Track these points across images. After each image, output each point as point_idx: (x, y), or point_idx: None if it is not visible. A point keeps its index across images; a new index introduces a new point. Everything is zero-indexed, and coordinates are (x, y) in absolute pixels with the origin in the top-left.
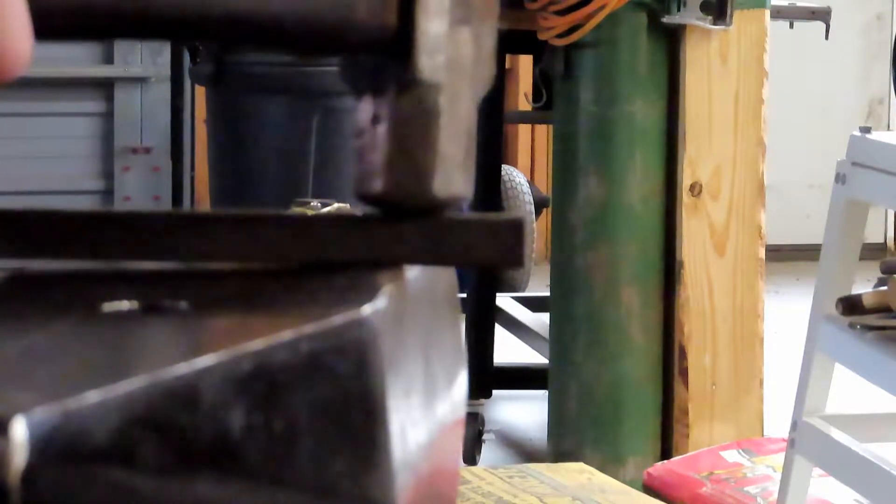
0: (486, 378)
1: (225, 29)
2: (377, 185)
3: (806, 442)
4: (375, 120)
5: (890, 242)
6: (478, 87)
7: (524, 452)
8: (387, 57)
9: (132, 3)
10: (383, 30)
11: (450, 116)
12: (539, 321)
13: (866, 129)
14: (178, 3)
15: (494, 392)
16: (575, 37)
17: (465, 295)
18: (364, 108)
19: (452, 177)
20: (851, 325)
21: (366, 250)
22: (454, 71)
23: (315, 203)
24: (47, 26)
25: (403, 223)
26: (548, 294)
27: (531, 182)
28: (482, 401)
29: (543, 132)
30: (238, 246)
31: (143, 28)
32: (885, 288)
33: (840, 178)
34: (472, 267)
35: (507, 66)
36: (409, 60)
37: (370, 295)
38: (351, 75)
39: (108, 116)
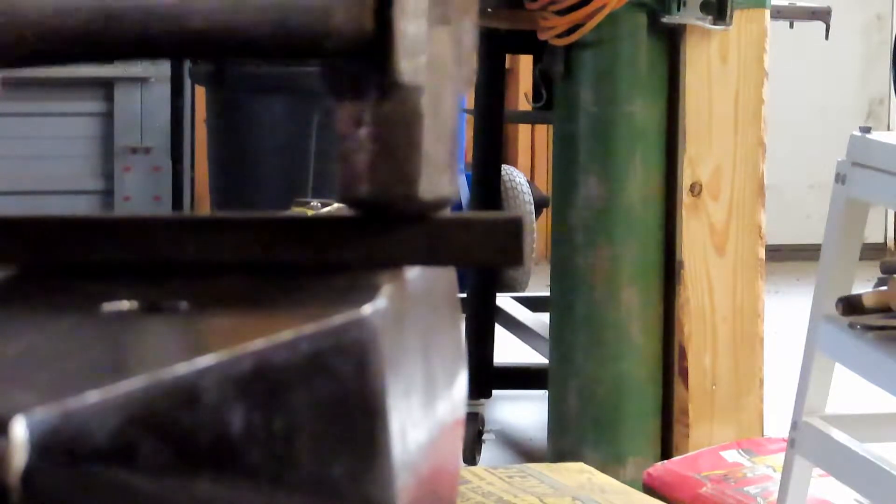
0: (486, 378)
1: (201, 42)
2: (363, 189)
3: (806, 442)
4: (358, 124)
5: (890, 242)
6: (460, 87)
7: (524, 452)
8: (366, 61)
9: (104, 24)
10: (361, 34)
11: (433, 118)
12: (539, 321)
13: (866, 129)
14: (151, 19)
15: (494, 392)
16: (575, 37)
17: (465, 295)
18: (346, 113)
19: (438, 179)
20: (851, 325)
21: (365, 252)
22: (435, 72)
23: (315, 203)
24: (18, 54)
25: (401, 224)
26: (548, 294)
27: (531, 182)
28: (482, 401)
29: (543, 132)
30: (238, 249)
31: (117, 48)
32: (885, 288)
33: (840, 178)
34: (472, 267)
35: (507, 66)
36: (389, 63)
37: (370, 295)
38: (332, 80)
39: (108, 116)
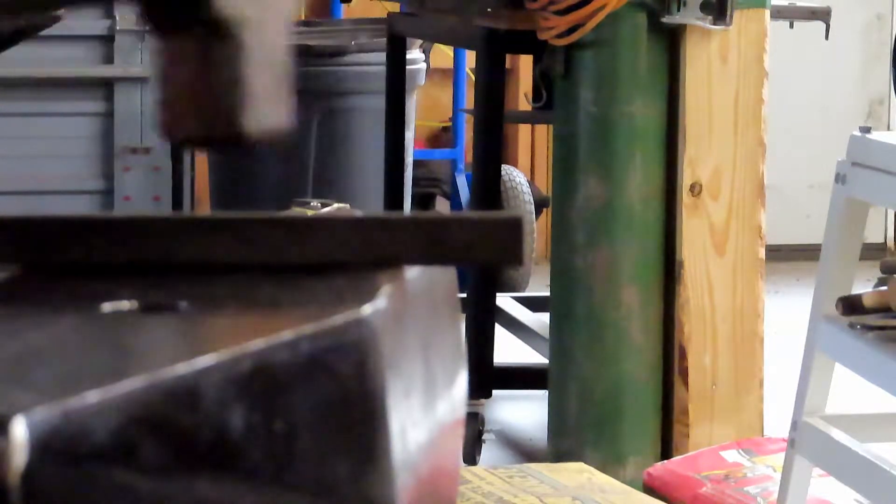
0: (486, 378)
1: None
2: (186, 124)
3: (806, 442)
4: (179, 58)
5: (890, 242)
6: (285, 13)
7: (524, 452)
8: None
9: None
10: None
11: (257, 49)
12: (539, 321)
13: (866, 129)
14: None
15: (494, 392)
16: (575, 37)
17: (465, 295)
18: (168, 49)
19: (264, 110)
20: (851, 325)
21: (365, 251)
22: (257, 1)
23: (315, 203)
24: None
25: (401, 224)
26: (548, 294)
27: (531, 182)
28: (482, 401)
29: (543, 132)
30: (238, 250)
31: None
32: (885, 288)
33: (840, 178)
34: (472, 266)
35: (507, 66)
36: None
37: (370, 295)
38: (153, 15)
39: (108, 116)
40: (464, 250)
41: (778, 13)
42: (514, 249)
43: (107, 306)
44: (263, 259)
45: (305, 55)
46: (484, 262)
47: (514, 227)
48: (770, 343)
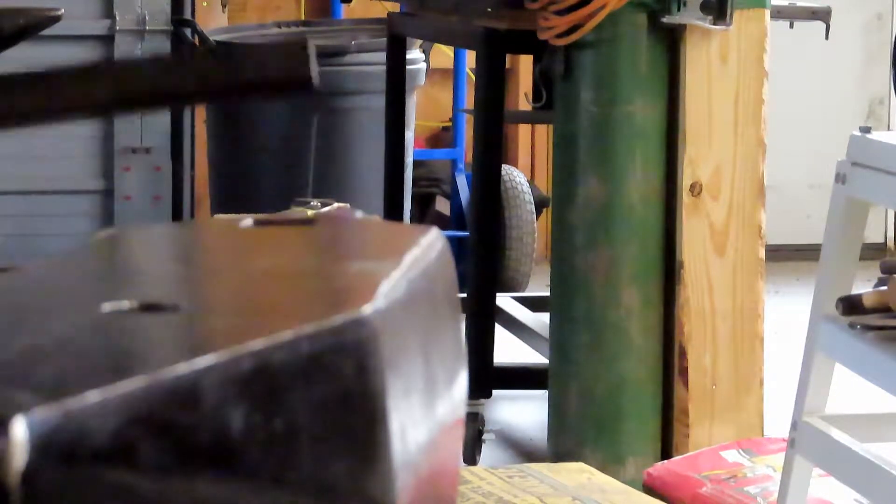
0: (486, 378)
1: None
2: None
3: (806, 442)
4: None
5: (890, 242)
6: None
7: (524, 452)
8: None
9: None
10: None
11: None
12: (539, 321)
13: (866, 129)
14: None
15: (494, 392)
16: (575, 37)
17: (465, 295)
18: None
19: None
20: (851, 325)
21: (171, 86)
22: None
23: (315, 202)
24: None
25: (193, 60)
26: (548, 294)
27: (531, 182)
28: (482, 401)
29: (543, 132)
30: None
31: None
32: (885, 288)
33: (840, 178)
34: (267, 95)
35: (507, 66)
36: None
37: (370, 295)
38: None
39: None
40: (258, 79)
41: (778, 13)
42: (302, 69)
43: (107, 306)
44: (66, 105)
45: None
46: (278, 88)
47: (300, 49)
48: (770, 343)
